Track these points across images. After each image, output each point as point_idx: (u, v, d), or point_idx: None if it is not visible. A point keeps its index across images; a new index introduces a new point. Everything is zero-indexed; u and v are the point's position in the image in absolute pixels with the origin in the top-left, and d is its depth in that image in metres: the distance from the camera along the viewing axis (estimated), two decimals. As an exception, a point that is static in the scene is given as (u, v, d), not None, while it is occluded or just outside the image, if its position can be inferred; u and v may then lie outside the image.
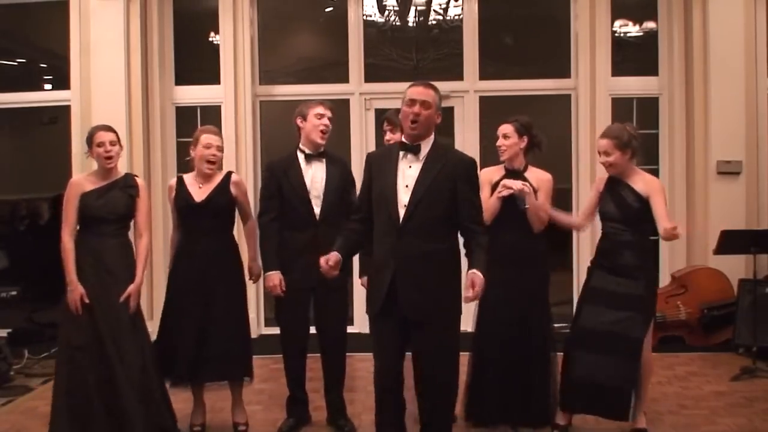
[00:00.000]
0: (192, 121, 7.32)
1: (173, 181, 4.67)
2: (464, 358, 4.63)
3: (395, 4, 7.55)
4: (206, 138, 4.53)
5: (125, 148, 6.78)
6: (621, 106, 7.28)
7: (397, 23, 7.61)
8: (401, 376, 3.74)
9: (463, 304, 3.67)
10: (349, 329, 4.92)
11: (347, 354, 4.75)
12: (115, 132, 4.47)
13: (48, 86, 8.15)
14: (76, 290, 4.26)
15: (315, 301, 4.60)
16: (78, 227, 4.40)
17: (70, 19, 7.09)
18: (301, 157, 4.63)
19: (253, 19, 7.42)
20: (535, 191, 4.46)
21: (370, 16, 7.49)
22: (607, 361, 4.30)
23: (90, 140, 4.44)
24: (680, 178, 7.12)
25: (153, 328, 4.61)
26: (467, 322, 4.46)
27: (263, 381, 5.75)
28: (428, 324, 3.59)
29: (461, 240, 3.74)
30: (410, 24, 7.65)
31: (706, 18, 6.89)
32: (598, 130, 6.93)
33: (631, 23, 7.55)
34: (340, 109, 7.13)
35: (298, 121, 4.66)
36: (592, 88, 7.15)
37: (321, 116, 4.60)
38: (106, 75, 6.99)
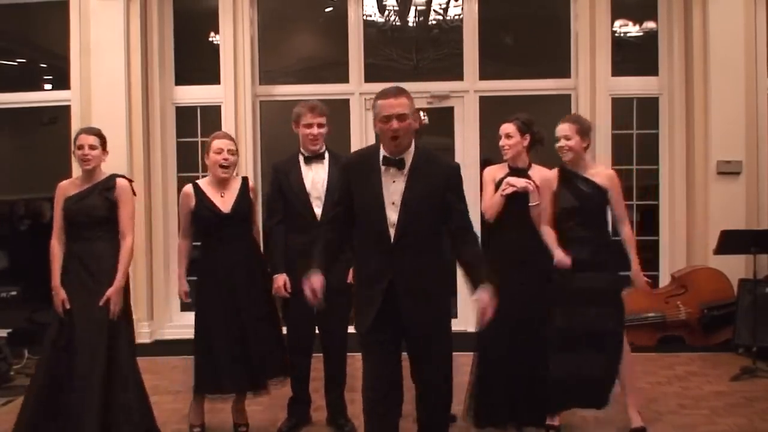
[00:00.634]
0: (192, 121, 7.33)
1: (189, 188, 4.59)
2: (468, 358, 4.66)
3: (395, 4, 7.55)
4: (216, 143, 4.52)
5: (125, 148, 6.87)
6: (621, 106, 7.28)
7: (397, 23, 7.61)
8: (401, 385, 3.66)
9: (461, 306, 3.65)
10: (350, 329, 4.91)
11: (348, 354, 4.74)
12: (99, 136, 4.45)
13: (48, 86, 8.15)
14: (58, 295, 4.29)
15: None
16: (65, 232, 4.39)
17: (70, 19, 7.10)
18: (301, 159, 4.64)
19: (253, 19, 7.42)
20: (539, 189, 4.46)
21: (370, 16, 7.48)
22: (588, 358, 4.33)
23: (74, 141, 4.44)
24: (680, 178, 7.12)
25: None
26: (469, 323, 4.46)
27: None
28: (428, 333, 3.54)
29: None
30: (410, 24, 7.65)
31: (706, 18, 6.89)
32: (599, 130, 7.00)
33: (631, 23, 7.55)
34: (340, 109, 7.16)
35: (293, 126, 4.69)
36: (592, 88, 7.15)
37: (310, 125, 4.59)
38: (106, 75, 7.00)
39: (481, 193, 4.72)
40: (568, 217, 4.41)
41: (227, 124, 7.13)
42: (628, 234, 4.51)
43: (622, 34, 7.52)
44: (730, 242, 5.96)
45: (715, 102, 6.86)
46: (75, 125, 6.99)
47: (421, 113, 7.62)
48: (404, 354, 3.63)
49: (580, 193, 4.41)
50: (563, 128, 4.45)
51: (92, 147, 4.39)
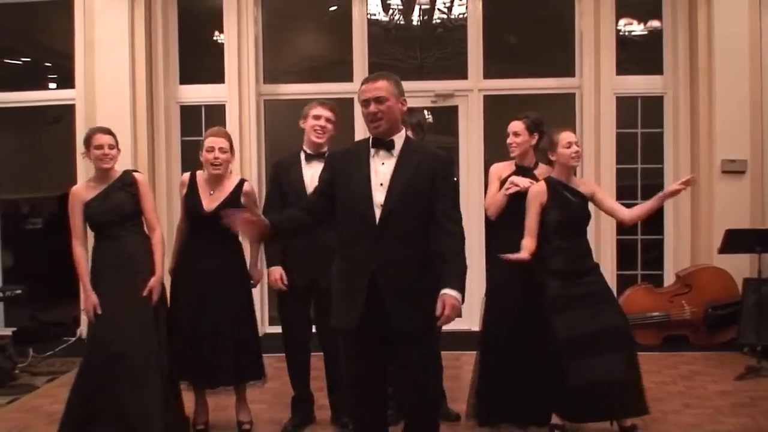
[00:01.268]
0: (196, 120, 7.34)
1: (186, 176, 4.63)
2: (471, 357, 4.66)
3: (399, 3, 7.53)
4: (209, 141, 4.48)
5: (130, 147, 6.87)
6: (625, 105, 7.27)
7: (402, 22, 7.60)
8: (386, 385, 3.58)
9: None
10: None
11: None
12: (113, 135, 4.47)
13: (52, 85, 8.18)
14: (89, 298, 4.27)
15: (315, 301, 4.61)
16: (93, 234, 4.42)
17: (75, 17, 7.10)
18: (302, 156, 4.64)
19: (257, 18, 7.42)
20: None
21: (375, 15, 7.47)
22: (606, 359, 4.25)
23: (87, 142, 4.43)
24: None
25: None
26: (473, 322, 4.45)
27: (268, 380, 5.74)
28: (416, 333, 3.34)
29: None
30: (414, 23, 7.64)
31: (711, 17, 6.87)
32: (603, 129, 7.00)
33: (635, 22, 7.54)
34: (344, 108, 7.13)
35: (301, 122, 4.69)
36: (597, 87, 7.12)
37: (318, 117, 4.59)
38: (111, 74, 7.01)
39: (486, 191, 4.72)
40: (558, 229, 4.37)
41: (231, 123, 7.12)
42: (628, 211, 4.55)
43: (626, 33, 7.51)
44: (735, 241, 5.95)
45: (719, 101, 6.85)
46: (79, 124, 7.01)
47: (425, 112, 7.63)
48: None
49: (570, 204, 4.40)
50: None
51: (111, 146, 4.41)
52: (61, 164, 7.42)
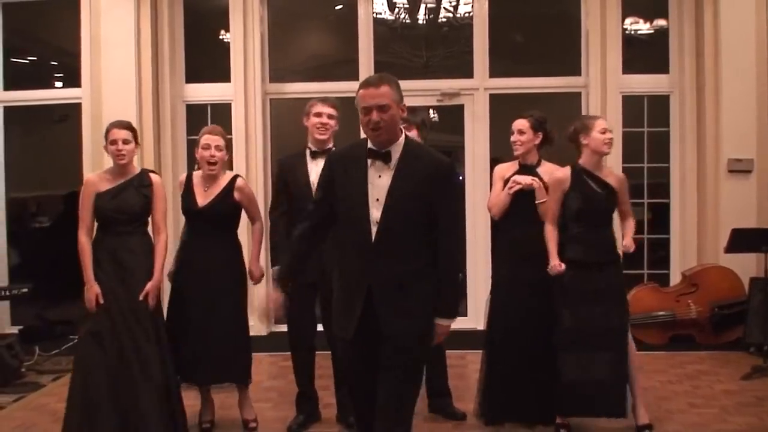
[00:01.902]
0: (202, 118, 7.34)
1: (183, 176, 4.70)
2: (477, 356, 4.66)
3: (405, 1, 7.53)
4: (204, 139, 4.51)
5: (136, 146, 6.88)
6: (632, 104, 7.26)
7: (407, 21, 7.60)
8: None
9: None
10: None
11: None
12: (131, 129, 4.45)
13: (59, 84, 8.20)
14: (91, 289, 4.27)
15: (321, 299, 4.62)
16: (97, 225, 4.41)
17: (81, 16, 7.11)
18: (307, 154, 4.65)
19: (263, 17, 7.42)
20: (547, 187, 4.45)
21: (380, 13, 7.46)
22: (596, 357, 4.31)
23: (105, 136, 4.43)
24: (691, 176, 7.09)
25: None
26: (479, 320, 4.45)
27: (273, 378, 5.77)
28: (407, 346, 3.25)
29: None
30: (420, 22, 7.64)
31: (717, 15, 6.85)
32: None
33: (641, 21, 7.53)
34: (349, 107, 7.15)
35: (304, 119, 4.70)
36: (603, 85, 7.11)
37: (319, 114, 4.61)
38: (117, 73, 7.02)
39: (491, 190, 4.73)
40: (577, 217, 4.40)
41: (237, 122, 7.15)
42: (630, 223, 4.54)
43: (632, 32, 7.50)
44: (741, 240, 5.94)
45: (726, 100, 6.83)
46: (86, 123, 7.03)
47: (431, 111, 7.62)
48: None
49: (592, 194, 4.40)
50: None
51: (126, 141, 4.38)
52: (67, 163, 7.45)
